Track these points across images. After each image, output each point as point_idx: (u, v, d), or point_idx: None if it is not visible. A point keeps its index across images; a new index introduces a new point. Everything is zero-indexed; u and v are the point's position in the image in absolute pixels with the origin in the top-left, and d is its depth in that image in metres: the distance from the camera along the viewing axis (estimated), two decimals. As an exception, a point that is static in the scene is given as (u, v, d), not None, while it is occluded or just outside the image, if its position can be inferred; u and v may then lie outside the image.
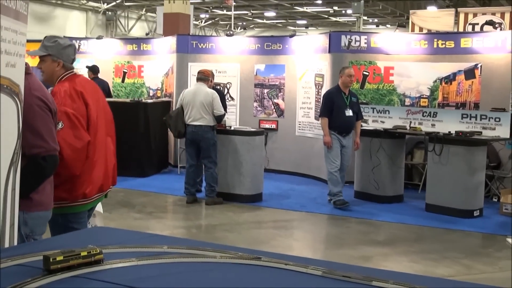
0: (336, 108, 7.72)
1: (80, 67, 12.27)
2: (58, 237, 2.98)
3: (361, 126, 8.10)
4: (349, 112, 7.78)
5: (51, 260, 2.33)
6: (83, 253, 2.43)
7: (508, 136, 7.50)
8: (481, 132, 7.60)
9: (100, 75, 11.07)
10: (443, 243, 6.31)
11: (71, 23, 26.00)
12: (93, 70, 11.03)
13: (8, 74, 3.37)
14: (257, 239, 6.37)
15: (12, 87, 3.45)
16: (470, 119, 7.79)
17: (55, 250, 2.44)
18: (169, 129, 8.88)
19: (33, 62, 13.68)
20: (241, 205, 7.86)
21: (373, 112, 8.82)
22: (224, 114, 8.08)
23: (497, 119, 7.55)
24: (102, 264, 2.46)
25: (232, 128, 8.44)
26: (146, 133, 9.86)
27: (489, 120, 7.62)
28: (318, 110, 9.82)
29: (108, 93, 11.02)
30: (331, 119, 7.70)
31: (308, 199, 8.33)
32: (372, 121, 8.77)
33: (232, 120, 10.00)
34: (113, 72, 12.10)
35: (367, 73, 9.58)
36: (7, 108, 3.39)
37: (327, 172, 7.90)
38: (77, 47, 12.27)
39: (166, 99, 11.02)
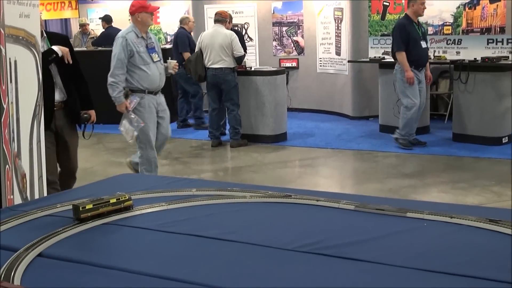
0: (413, 40, 7.10)
1: (95, 16, 12.15)
2: (86, 186, 2.97)
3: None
4: (424, 44, 7.23)
5: (80, 208, 2.33)
6: (112, 200, 2.43)
7: (536, 59, 7.29)
8: (508, 57, 7.38)
9: (115, 24, 10.95)
10: (472, 172, 6.24)
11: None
12: (106, 19, 10.91)
13: (23, 25, 3.31)
14: (284, 179, 6.37)
15: (28, 38, 3.40)
16: (496, 44, 7.56)
17: (84, 199, 2.44)
18: (189, 74, 8.80)
19: (48, 15, 13.47)
20: (266, 145, 7.83)
21: (395, 43, 8.58)
22: (244, 55, 7.95)
23: (525, 43, 7.32)
24: (132, 210, 2.47)
25: (253, 69, 8.33)
26: (167, 79, 9.74)
27: (516, 44, 7.39)
28: (339, 46, 9.65)
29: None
30: (408, 53, 7.08)
31: (333, 136, 8.26)
32: (395, 52, 8.55)
33: (252, 61, 9.86)
34: (129, 20, 11.93)
35: (388, 3, 9.30)
36: (25, 61, 3.35)
37: (402, 111, 7.27)
38: (90, -4, 12.21)
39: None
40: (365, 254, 1.94)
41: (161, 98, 5.60)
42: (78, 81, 4.54)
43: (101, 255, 2.07)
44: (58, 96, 4.37)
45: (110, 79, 5.31)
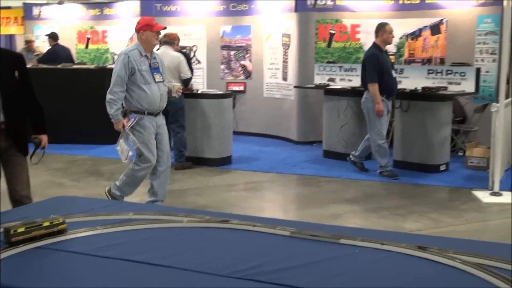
0: (385, 70, 7.01)
1: (42, 33, 11.96)
2: (21, 208, 2.91)
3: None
4: (394, 73, 7.17)
5: (11, 232, 2.29)
6: (46, 223, 2.39)
7: (473, 90, 7.56)
8: (446, 87, 7.64)
9: (62, 42, 10.81)
10: (411, 198, 6.40)
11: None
12: (53, 37, 10.75)
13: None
14: (228, 202, 6.37)
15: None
16: (436, 75, 7.82)
17: (16, 221, 2.39)
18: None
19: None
20: (211, 168, 7.83)
21: (340, 70, 8.80)
22: (191, 78, 7.96)
23: (463, 74, 7.59)
24: (65, 234, 2.43)
25: (200, 92, 8.34)
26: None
27: (454, 75, 7.67)
28: (286, 71, 9.79)
29: (70, 60, 10.78)
30: (380, 83, 6.95)
31: (277, 161, 8.33)
32: (340, 79, 8.76)
33: (199, 83, 9.90)
34: (76, 38, 11.82)
35: (334, 32, 9.53)
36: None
37: (373, 143, 7.18)
38: (38, 13, 12.03)
39: (132, 64, 10.81)
40: (299, 280, 1.97)
41: (161, 120, 5.37)
42: (30, 103, 4.24)
43: (32, 280, 2.03)
44: None
45: (108, 96, 5.12)
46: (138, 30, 5.28)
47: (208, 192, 6.78)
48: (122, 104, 5.21)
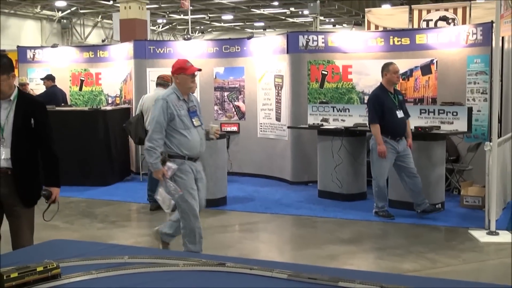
0: (388, 110, 6.97)
1: (36, 76, 12.01)
2: (14, 252, 2.87)
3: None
4: (400, 114, 7.06)
5: (5, 277, 2.24)
6: (39, 269, 2.35)
7: (465, 129, 7.61)
8: (439, 127, 7.69)
9: (56, 84, 10.87)
10: (408, 238, 6.36)
11: (25, 33, 25.48)
12: (51, 78, 10.82)
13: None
14: (223, 243, 6.31)
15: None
16: (429, 114, 7.88)
17: (9, 266, 2.35)
18: (129, 136, 8.75)
19: None
20: (206, 209, 7.70)
21: (333, 111, 8.85)
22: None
23: (455, 113, 7.65)
24: (59, 279, 2.39)
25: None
26: (106, 141, 9.69)
27: (446, 115, 7.72)
28: (279, 112, 9.84)
29: (65, 102, 10.82)
30: (383, 124, 6.96)
31: (272, 201, 8.30)
32: (333, 120, 8.80)
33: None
34: (70, 80, 11.87)
35: (326, 72, 9.62)
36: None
37: (373, 184, 7.18)
38: (32, 56, 12.10)
39: (125, 106, 10.85)
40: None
41: (200, 166, 5.22)
42: (45, 154, 4.04)
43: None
44: (2, 162, 3.85)
45: (147, 144, 4.94)
46: (172, 74, 5.13)
47: (203, 234, 6.71)
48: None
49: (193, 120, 5.06)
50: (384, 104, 7.01)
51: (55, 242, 3.24)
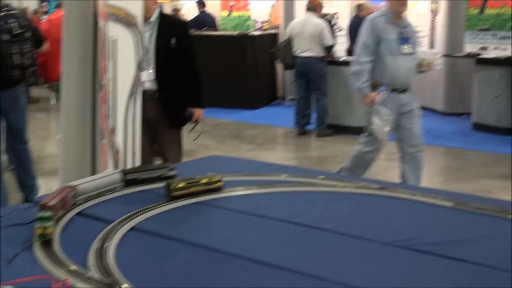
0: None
1: (186, 2, 12.35)
2: (178, 165, 3.00)
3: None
4: None
5: (172, 187, 2.35)
6: (204, 181, 2.43)
7: None
8: None
9: (207, 10, 11.10)
10: None
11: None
12: (201, 3, 11.07)
13: (124, 5, 3.38)
14: (369, 171, 6.21)
15: (128, 19, 3.46)
16: None
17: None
18: (277, 61, 8.79)
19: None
20: (353, 136, 7.67)
21: (494, 39, 8.22)
22: (333, 45, 7.84)
23: None
24: (222, 192, 2.46)
25: (342, 59, 8.20)
26: (254, 66, 9.83)
27: None
28: (433, 39, 9.33)
29: (215, 26, 11.05)
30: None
31: (423, 131, 7.99)
32: (493, 48, 8.19)
33: (341, 50, 9.71)
34: (220, 6, 12.07)
35: (488, -4, 8.89)
36: (124, 40, 3.42)
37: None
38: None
39: (273, 31, 10.87)
40: (468, 254, 1.83)
41: (409, 98, 4.74)
42: (188, 74, 3.98)
43: (191, 233, 2.07)
44: (147, 84, 3.81)
45: (354, 67, 4.64)
46: None
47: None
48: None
49: (403, 46, 4.60)
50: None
51: (214, 158, 3.36)
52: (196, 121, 4.06)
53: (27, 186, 4.89)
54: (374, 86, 4.63)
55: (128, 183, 2.47)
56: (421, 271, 1.76)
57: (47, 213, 1.93)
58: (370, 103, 4.63)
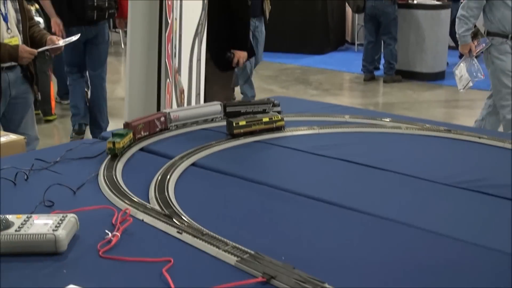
0: None
1: None
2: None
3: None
4: None
5: (234, 124, 2.36)
6: (265, 119, 2.43)
7: None
8: None
9: None
10: None
11: None
12: None
13: None
14: (438, 118, 6.05)
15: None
16: None
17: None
18: (347, 4, 8.57)
19: None
20: (421, 83, 7.49)
21: None
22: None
23: None
24: (283, 131, 2.46)
25: (415, 2, 7.90)
26: (322, 10, 9.62)
27: None
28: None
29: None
30: None
31: None
32: None
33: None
34: None
35: None
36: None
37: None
38: None
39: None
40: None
41: None
42: (232, 16, 3.80)
43: (251, 170, 2.08)
44: None
45: (460, 12, 4.28)
46: None
47: (417, 107, 6.52)
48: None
49: None
50: None
51: (278, 98, 3.34)
52: (237, 63, 3.94)
53: (99, 126, 5.06)
54: (475, 35, 4.32)
55: (229, 115, 2.52)
56: (485, 213, 1.71)
57: (122, 131, 2.17)
58: (468, 53, 4.35)
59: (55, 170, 2.00)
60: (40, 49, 3.12)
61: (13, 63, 3.12)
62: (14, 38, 3.10)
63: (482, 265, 1.39)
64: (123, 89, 6.75)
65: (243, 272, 1.32)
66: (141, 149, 2.25)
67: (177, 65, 3.24)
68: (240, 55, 3.89)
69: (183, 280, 1.28)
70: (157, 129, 2.37)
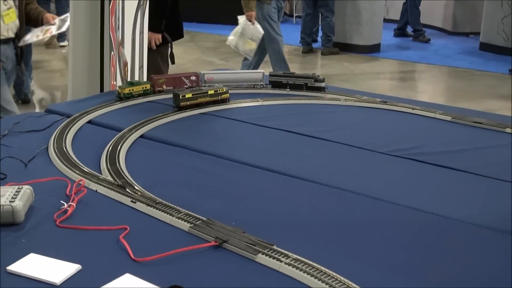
0: None
1: None
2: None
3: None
4: None
5: (180, 97, 2.42)
6: (211, 92, 2.50)
7: None
8: None
9: None
10: None
11: None
12: None
13: None
14: (374, 90, 6.22)
15: None
16: None
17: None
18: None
19: None
20: (358, 55, 7.68)
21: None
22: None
23: None
24: (228, 103, 2.53)
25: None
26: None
27: None
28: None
29: None
30: None
31: (430, 51, 7.96)
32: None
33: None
34: None
35: None
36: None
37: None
38: None
39: None
40: (460, 163, 1.92)
41: None
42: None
43: (198, 141, 2.15)
44: None
45: None
46: None
47: (354, 79, 6.70)
48: None
49: None
50: None
51: (220, 70, 3.40)
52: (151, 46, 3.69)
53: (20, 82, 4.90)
54: None
55: (274, 84, 2.74)
56: (415, 178, 1.85)
57: (136, 81, 2.64)
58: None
59: (4, 144, 2.01)
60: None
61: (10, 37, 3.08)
62: (11, 9, 3.04)
63: (412, 224, 1.53)
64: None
65: (197, 238, 1.41)
66: (89, 122, 2.28)
67: (120, 37, 3.24)
68: (152, 37, 3.68)
69: (140, 247, 1.35)
70: (185, 87, 2.60)
